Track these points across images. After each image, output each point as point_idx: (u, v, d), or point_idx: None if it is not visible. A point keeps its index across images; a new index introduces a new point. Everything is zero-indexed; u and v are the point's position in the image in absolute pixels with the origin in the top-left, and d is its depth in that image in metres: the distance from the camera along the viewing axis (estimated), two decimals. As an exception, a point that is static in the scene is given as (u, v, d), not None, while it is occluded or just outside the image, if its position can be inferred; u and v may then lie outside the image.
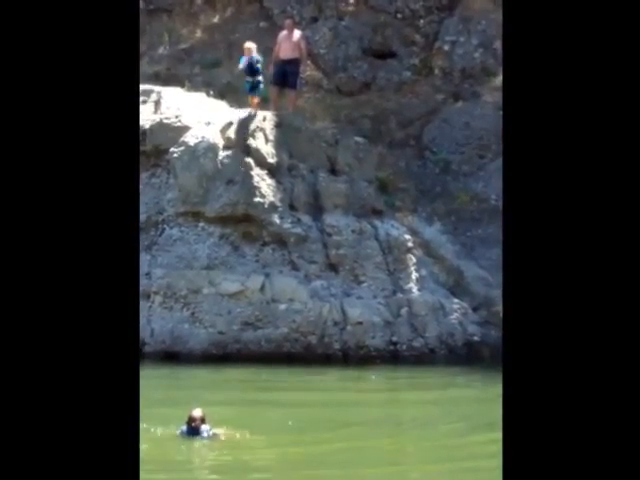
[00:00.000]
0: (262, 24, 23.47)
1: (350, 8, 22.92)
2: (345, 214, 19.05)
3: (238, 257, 18.48)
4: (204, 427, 10.93)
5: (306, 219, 18.78)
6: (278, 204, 18.57)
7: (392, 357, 18.13)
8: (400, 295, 18.60)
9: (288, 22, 20.22)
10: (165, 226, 19.03)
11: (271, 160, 18.84)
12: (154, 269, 18.66)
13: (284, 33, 20.02)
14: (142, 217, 19.22)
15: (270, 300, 18.14)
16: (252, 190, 18.47)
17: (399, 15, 22.79)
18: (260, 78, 19.18)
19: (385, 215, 19.52)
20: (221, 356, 17.68)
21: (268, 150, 18.89)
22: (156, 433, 11.11)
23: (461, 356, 18.19)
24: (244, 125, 18.90)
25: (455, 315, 18.55)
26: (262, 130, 19.01)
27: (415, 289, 18.71)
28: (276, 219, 18.50)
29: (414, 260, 18.96)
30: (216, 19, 23.81)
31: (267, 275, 18.33)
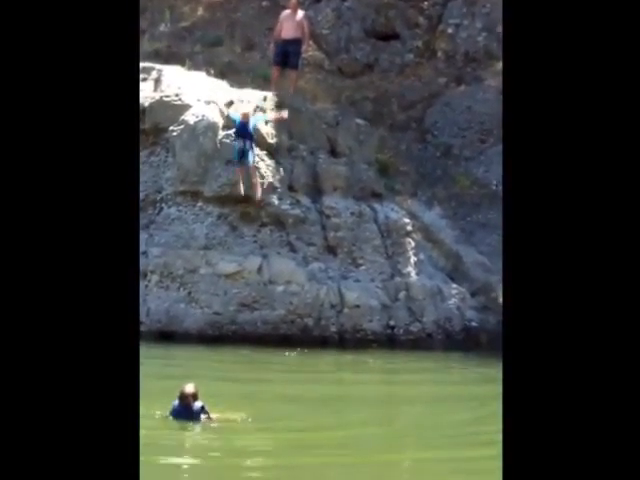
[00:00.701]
0: (264, 3, 23.35)
1: (354, -11, 22.76)
2: (344, 196, 18.94)
3: (236, 237, 18.38)
4: (197, 404, 10.64)
5: (305, 201, 18.68)
6: (277, 185, 18.46)
7: (389, 341, 18.06)
8: (398, 279, 18.52)
9: (293, 1, 20.04)
10: (163, 205, 18.92)
11: (271, 141, 18.72)
12: (151, 248, 18.56)
13: (287, 12, 19.86)
14: (140, 195, 19.14)
15: (267, 281, 18.05)
16: (251, 170, 18.32)
17: (403, -3, 22.64)
18: (252, 145, 17.81)
19: (385, 198, 19.43)
20: (217, 337, 17.59)
21: (268, 131, 18.76)
22: (149, 413, 10.92)
23: (458, 341, 18.14)
24: (244, 104, 18.75)
25: (453, 300, 18.48)
26: (262, 110, 18.87)
27: (413, 273, 18.63)
28: (275, 200, 18.40)
29: (413, 244, 18.87)
30: (218, -3, 23.65)
31: (265, 256, 18.23)
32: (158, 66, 20.33)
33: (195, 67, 20.87)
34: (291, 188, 18.70)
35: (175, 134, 18.77)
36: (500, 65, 20.47)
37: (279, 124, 18.84)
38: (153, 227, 18.84)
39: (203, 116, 18.68)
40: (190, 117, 18.78)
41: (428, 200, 19.98)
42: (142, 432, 9.52)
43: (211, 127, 18.55)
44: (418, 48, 22.32)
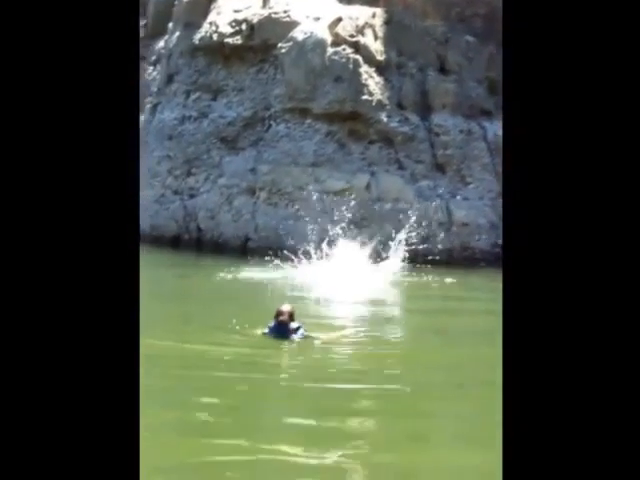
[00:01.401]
0: None
1: None
2: (453, 114, 18.76)
3: (344, 155, 18.36)
4: (293, 324, 10.32)
5: (414, 118, 18.54)
6: (386, 102, 18.35)
7: (496, 260, 17.93)
8: (507, 197, 18.34)
9: None
10: (272, 122, 18.96)
11: (380, 58, 18.58)
12: (260, 165, 18.68)
13: None
14: (249, 113, 19.23)
15: (375, 199, 18.04)
16: (360, 88, 18.27)
17: None
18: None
19: (494, 116, 19.16)
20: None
21: (377, 47, 18.62)
22: (244, 330, 10.69)
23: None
24: (353, 21, 18.62)
25: (563, 219, 18.26)
26: (371, 27, 18.73)
27: (523, 192, 18.42)
28: (383, 117, 18.30)
29: (523, 162, 18.64)
30: None
31: (373, 174, 18.21)
32: (267, -17, 20.28)
33: (303, -16, 20.74)
34: (400, 105, 18.58)
35: (284, 51, 18.75)
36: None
37: (388, 41, 18.68)
38: (261, 144, 18.93)
39: (311, 33, 18.61)
40: (299, 34, 18.72)
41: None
42: (238, 350, 9.48)
43: (320, 44, 18.48)
44: (530, -37, 21.82)
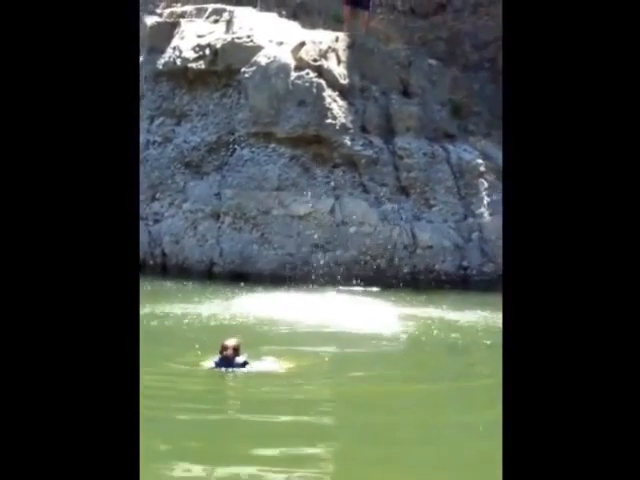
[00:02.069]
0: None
1: None
2: (417, 137, 18.83)
3: (308, 179, 18.39)
4: (239, 359, 9.91)
5: (377, 141, 18.60)
6: (349, 126, 18.40)
7: (462, 282, 18.01)
8: (471, 219, 18.43)
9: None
10: (236, 146, 18.97)
11: (343, 81, 18.64)
12: (224, 189, 18.67)
13: (358, -48, 19.68)
14: (213, 137, 19.24)
15: (340, 222, 18.07)
16: (323, 111, 18.32)
17: None
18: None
19: (457, 139, 19.28)
20: (290, 277, 17.65)
21: (340, 71, 18.69)
22: (191, 363, 10.42)
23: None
24: (316, 46, 18.68)
25: (527, 241, 18.31)
26: (335, 51, 18.80)
27: (486, 214, 18.51)
28: (347, 141, 18.35)
29: (486, 185, 18.73)
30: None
31: (337, 197, 18.23)
32: (230, 7, 20.35)
33: (267, 8, 20.81)
34: (363, 129, 18.63)
35: (247, 76, 18.77)
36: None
37: (352, 65, 18.75)
38: (226, 169, 18.93)
39: (275, 57, 18.65)
40: (262, 58, 18.76)
41: (501, 141, 19.75)
42: (174, 380, 9.21)
43: (283, 68, 18.53)
44: (492, -13, 21.97)
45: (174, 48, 19.90)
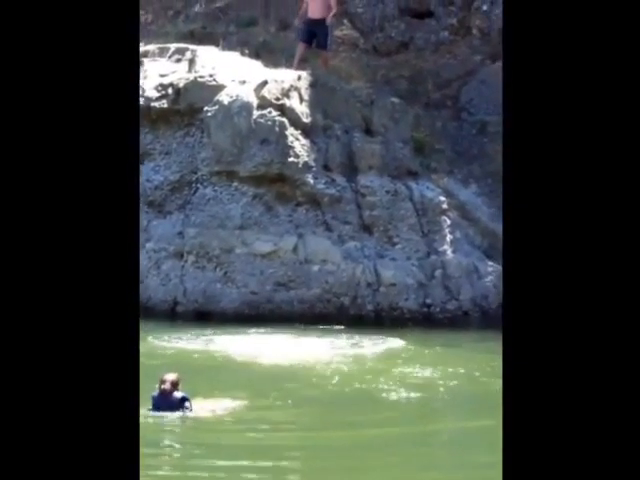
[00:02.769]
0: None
1: (388, -33, 22.63)
2: (380, 175, 18.90)
3: (271, 217, 18.40)
4: (177, 394, 9.78)
5: (340, 180, 18.65)
6: (312, 164, 18.45)
7: (425, 319, 18.02)
8: (434, 257, 18.47)
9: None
10: (199, 185, 18.96)
11: (305, 120, 18.70)
12: (187, 228, 18.64)
13: (313, -9, 19.74)
14: (176, 176, 19.22)
15: (303, 261, 18.07)
16: (286, 150, 18.36)
17: (437, -26, 22.49)
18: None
19: (420, 176, 19.35)
20: (253, 316, 17.62)
21: (303, 110, 18.75)
22: None
23: (495, 319, 18.01)
24: (278, 84, 18.75)
25: (489, 278, 18.40)
26: (297, 90, 18.87)
27: (449, 251, 18.57)
28: (310, 179, 18.39)
29: (449, 222, 18.81)
30: (252, -23, 23.60)
31: (300, 235, 18.24)
32: (192, 47, 20.38)
33: (229, 47, 20.88)
34: (326, 167, 18.68)
35: (210, 114, 18.79)
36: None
37: (314, 104, 18.82)
38: (189, 207, 18.91)
39: (237, 96, 18.69)
40: (224, 97, 18.79)
41: (464, 178, 19.88)
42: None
43: (246, 107, 18.57)
44: (453, 26, 22.16)
45: (137, 87, 19.90)
